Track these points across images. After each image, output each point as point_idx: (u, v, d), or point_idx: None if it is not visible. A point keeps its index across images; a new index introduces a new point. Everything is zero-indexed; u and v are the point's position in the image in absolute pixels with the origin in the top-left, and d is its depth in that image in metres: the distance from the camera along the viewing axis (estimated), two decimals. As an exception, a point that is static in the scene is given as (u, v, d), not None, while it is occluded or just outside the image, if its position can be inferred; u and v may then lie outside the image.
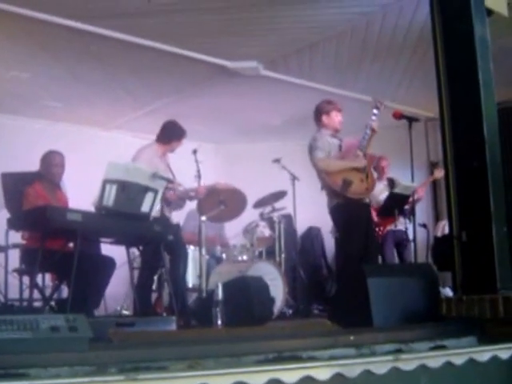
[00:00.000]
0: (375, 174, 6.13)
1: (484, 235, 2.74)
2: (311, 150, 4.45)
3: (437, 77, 3.18)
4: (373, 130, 4.42)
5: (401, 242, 6.03)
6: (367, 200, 4.57)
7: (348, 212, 4.33)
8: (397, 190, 5.11)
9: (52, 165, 4.48)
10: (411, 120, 4.54)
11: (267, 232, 5.92)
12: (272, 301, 4.73)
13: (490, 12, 3.30)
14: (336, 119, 4.59)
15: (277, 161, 6.14)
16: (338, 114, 4.60)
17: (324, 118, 4.58)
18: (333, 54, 5.45)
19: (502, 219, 2.75)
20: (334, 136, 4.58)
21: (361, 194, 4.40)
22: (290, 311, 5.59)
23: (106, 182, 3.63)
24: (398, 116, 4.52)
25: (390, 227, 5.95)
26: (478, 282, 2.75)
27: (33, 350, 1.71)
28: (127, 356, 1.80)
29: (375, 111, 4.44)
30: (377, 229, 5.92)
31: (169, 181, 4.22)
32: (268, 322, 4.38)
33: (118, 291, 5.70)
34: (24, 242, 4.26)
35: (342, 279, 4.43)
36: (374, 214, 5.93)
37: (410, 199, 5.08)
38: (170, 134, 4.96)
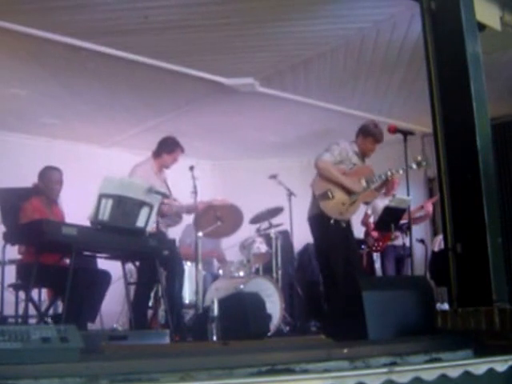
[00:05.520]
0: (383, 189, 6.16)
1: (479, 247, 2.74)
2: (325, 148, 4.49)
3: (430, 91, 3.22)
4: (387, 179, 4.49)
5: (401, 257, 6.02)
6: (343, 223, 4.50)
7: (321, 226, 4.36)
8: (392, 204, 5.11)
9: (51, 181, 4.49)
10: (406, 133, 4.56)
11: (264, 248, 5.90)
12: (269, 317, 4.71)
13: (482, 27, 3.35)
14: (369, 146, 4.65)
15: (273, 177, 6.15)
16: (373, 142, 4.64)
17: (360, 138, 4.66)
18: (327, 69, 5.49)
19: (496, 230, 2.76)
20: (358, 155, 4.62)
21: (331, 212, 4.38)
22: (287, 328, 5.54)
23: (101, 196, 3.63)
24: (393, 130, 4.54)
25: (391, 243, 5.94)
26: (474, 293, 2.75)
27: (23, 360, 1.70)
28: (118, 367, 1.79)
29: (414, 166, 4.53)
30: (375, 244, 5.92)
31: (164, 195, 4.22)
32: (264, 338, 4.35)
33: (114, 308, 5.67)
34: (20, 256, 4.25)
35: (327, 292, 4.44)
36: (372, 229, 5.95)
37: (407, 213, 5.06)
38: (161, 148, 4.98)
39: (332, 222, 4.37)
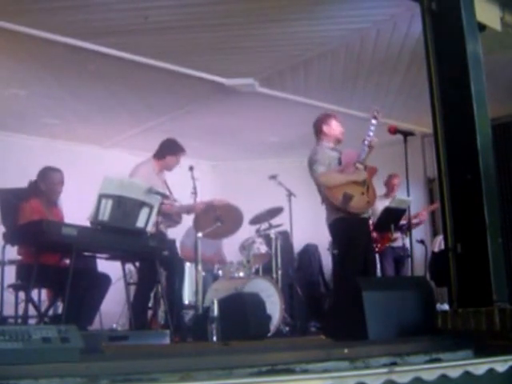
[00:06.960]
0: (384, 190, 6.16)
1: (479, 247, 2.74)
2: (311, 163, 4.44)
3: (430, 92, 3.22)
4: (370, 147, 4.43)
5: (400, 258, 6.01)
6: (366, 214, 4.54)
7: (348, 227, 4.31)
8: (392, 205, 5.10)
9: (53, 183, 4.46)
10: (406, 134, 4.56)
11: (263, 249, 5.89)
12: (268, 318, 4.70)
13: (482, 27, 3.35)
14: (337, 129, 4.58)
15: (273, 177, 6.16)
16: (338, 124, 4.59)
17: (324, 128, 4.56)
18: (327, 70, 5.49)
19: (496, 231, 2.76)
20: (333, 149, 4.57)
21: (362, 207, 4.37)
22: (287, 328, 5.53)
23: (101, 196, 3.62)
24: (393, 131, 4.54)
25: (389, 244, 5.93)
26: (474, 294, 2.75)
27: (24, 360, 1.70)
28: (118, 368, 1.79)
29: (374, 121, 4.43)
30: (374, 245, 5.91)
31: (164, 196, 4.22)
32: (264, 339, 4.34)
33: (114, 309, 5.66)
34: (20, 257, 4.24)
35: (340, 294, 4.39)
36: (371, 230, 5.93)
37: (406, 214, 5.06)
38: (165, 150, 4.98)
39: (359, 218, 4.38)
